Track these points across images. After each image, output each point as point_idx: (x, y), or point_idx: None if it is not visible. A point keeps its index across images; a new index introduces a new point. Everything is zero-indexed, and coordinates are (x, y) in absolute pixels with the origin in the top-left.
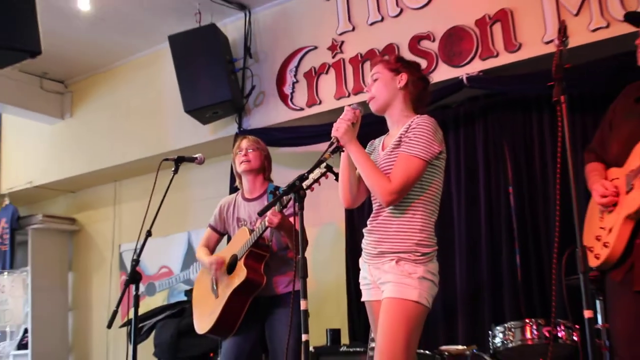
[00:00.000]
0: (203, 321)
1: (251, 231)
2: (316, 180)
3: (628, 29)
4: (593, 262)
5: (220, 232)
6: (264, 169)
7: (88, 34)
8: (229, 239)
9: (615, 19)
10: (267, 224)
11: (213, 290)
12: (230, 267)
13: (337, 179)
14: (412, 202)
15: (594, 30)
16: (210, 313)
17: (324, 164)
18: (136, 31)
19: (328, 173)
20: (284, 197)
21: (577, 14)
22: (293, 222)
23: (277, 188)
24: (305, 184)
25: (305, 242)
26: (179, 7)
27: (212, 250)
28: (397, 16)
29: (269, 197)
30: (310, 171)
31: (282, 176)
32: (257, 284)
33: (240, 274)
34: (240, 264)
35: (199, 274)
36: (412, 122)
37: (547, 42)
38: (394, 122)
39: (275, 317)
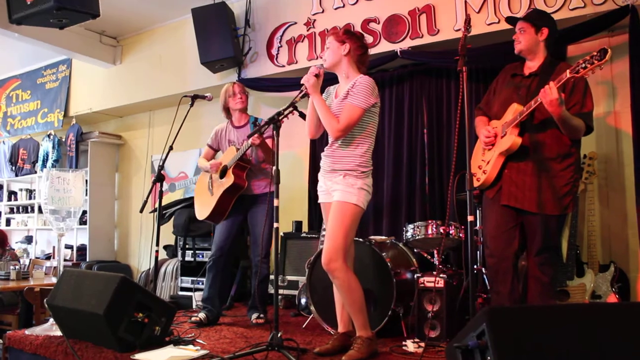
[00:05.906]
0: (202, 210)
1: (237, 149)
2: (285, 115)
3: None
4: (475, 184)
5: (215, 149)
6: (247, 107)
7: (135, 4)
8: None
9: (504, 17)
10: (250, 142)
11: (209, 189)
12: (222, 174)
13: (300, 116)
14: (355, 137)
15: (489, 24)
16: (207, 205)
17: (293, 105)
18: (169, 4)
19: (294, 111)
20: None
21: (478, 12)
22: (269, 144)
23: (256, 119)
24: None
25: (274, 155)
26: None
27: (208, 161)
28: (354, 4)
29: (251, 126)
30: (285, 109)
31: (268, 112)
32: (240, 186)
33: (229, 178)
34: (230, 171)
35: (200, 176)
36: (356, 80)
37: (457, 30)
38: (342, 77)
39: (256, 209)
